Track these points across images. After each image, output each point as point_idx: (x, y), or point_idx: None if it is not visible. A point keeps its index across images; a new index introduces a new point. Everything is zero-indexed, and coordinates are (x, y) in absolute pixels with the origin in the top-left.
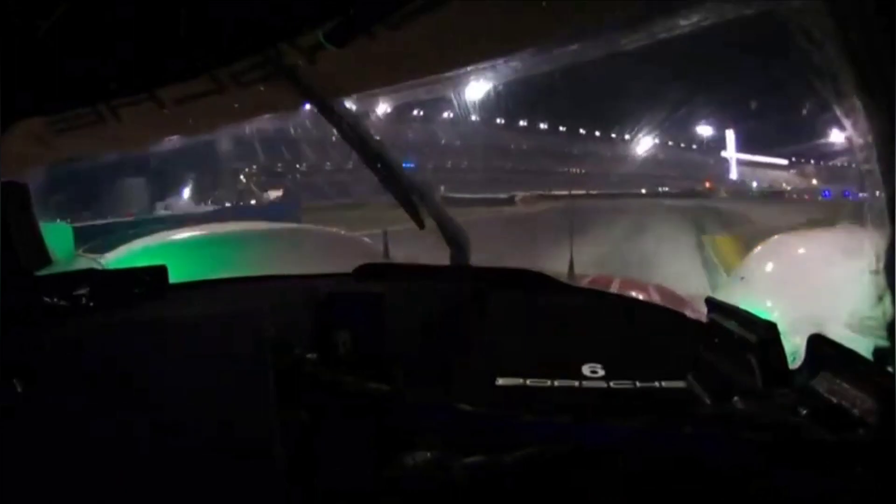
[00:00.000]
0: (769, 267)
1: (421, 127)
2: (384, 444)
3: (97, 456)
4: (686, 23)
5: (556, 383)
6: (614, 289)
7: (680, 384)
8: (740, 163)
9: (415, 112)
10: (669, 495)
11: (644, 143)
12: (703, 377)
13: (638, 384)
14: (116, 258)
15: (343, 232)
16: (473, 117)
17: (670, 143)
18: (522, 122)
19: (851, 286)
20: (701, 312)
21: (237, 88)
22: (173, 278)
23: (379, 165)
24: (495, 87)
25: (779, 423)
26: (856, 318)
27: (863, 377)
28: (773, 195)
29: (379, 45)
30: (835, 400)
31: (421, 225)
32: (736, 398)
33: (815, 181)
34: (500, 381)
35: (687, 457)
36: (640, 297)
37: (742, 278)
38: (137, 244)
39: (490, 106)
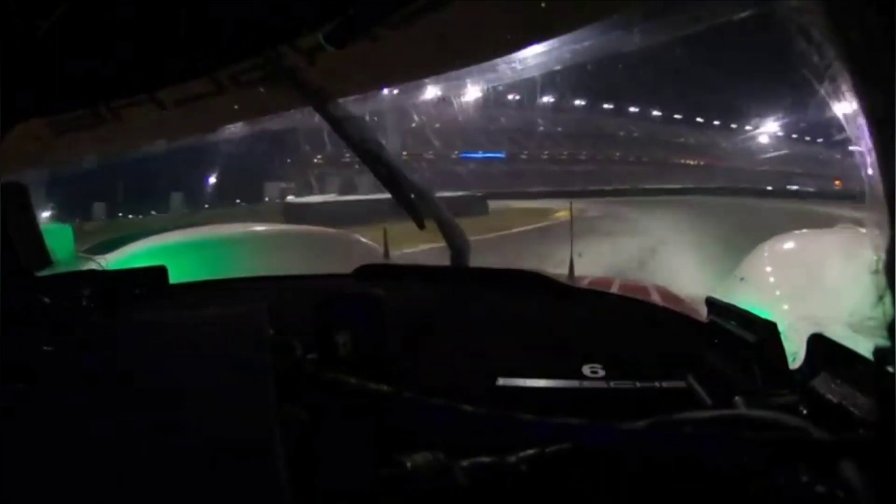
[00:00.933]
0: (769, 267)
1: (516, 113)
2: (384, 444)
3: (97, 456)
4: (683, 23)
5: (557, 384)
6: (614, 289)
7: (680, 384)
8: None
9: (510, 96)
10: (669, 495)
11: (766, 135)
12: (704, 377)
13: (638, 384)
14: (117, 259)
15: (343, 232)
16: (578, 101)
17: (794, 135)
18: (633, 108)
19: (851, 286)
20: (701, 312)
21: (237, 89)
22: (174, 279)
23: (379, 166)
24: (602, 69)
25: (779, 423)
26: (856, 318)
27: (863, 377)
28: None
29: (379, 46)
30: (835, 400)
31: (421, 226)
32: (736, 398)
33: None
34: (501, 382)
35: (687, 457)
36: (641, 297)
37: (742, 279)
38: (138, 245)
39: (597, 90)
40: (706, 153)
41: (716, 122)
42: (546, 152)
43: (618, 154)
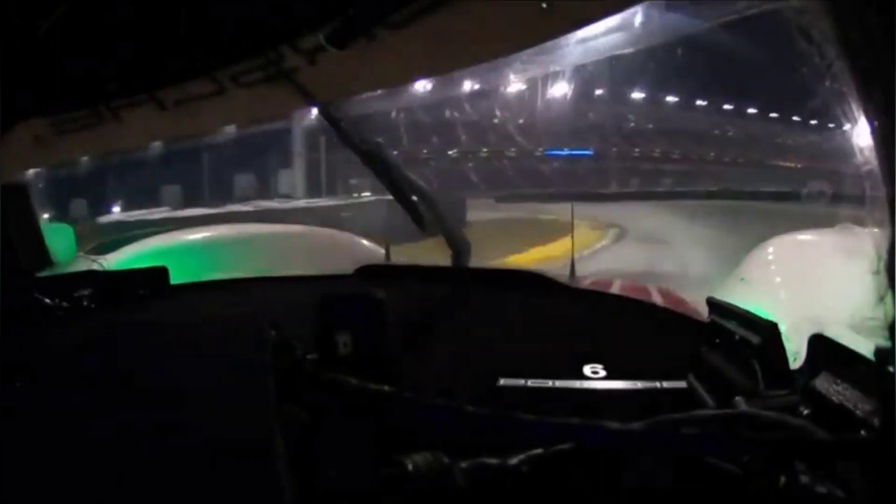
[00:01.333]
0: (770, 267)
1: (606, 108)
2: (384, 444)
3: (97, 456)
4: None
5: (557, 384)
6: (615, 290)
7: (681, 384)
8: None
9: (598, 91)
10: (669, 495)
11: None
12: (704, 377)
13: (638, 384)
14: (119, 259)
15: (344, 234)
16: (670, 98)
17: None
18: (728, 106)
19: (852, 286)
20: (702, 313)
21: (237, 90)
22: (176, 280)
23: (380, 167)
24: (696, 64)
25: (779, 423)
26: (857, 319)
27: (864, 377)
28: None
29: (379, 46)
30: (836, 400)
31: (422, 226)
32: (737, 398)
33: None
34: (502, 382)
35: (687, 457)
36: (642, 298)
37: (742, 279)
38: (139, 246)
39: (690, 86)
40: (804, 154)
41: (812, 122)
42: (637, 150)
43: (712, 154)
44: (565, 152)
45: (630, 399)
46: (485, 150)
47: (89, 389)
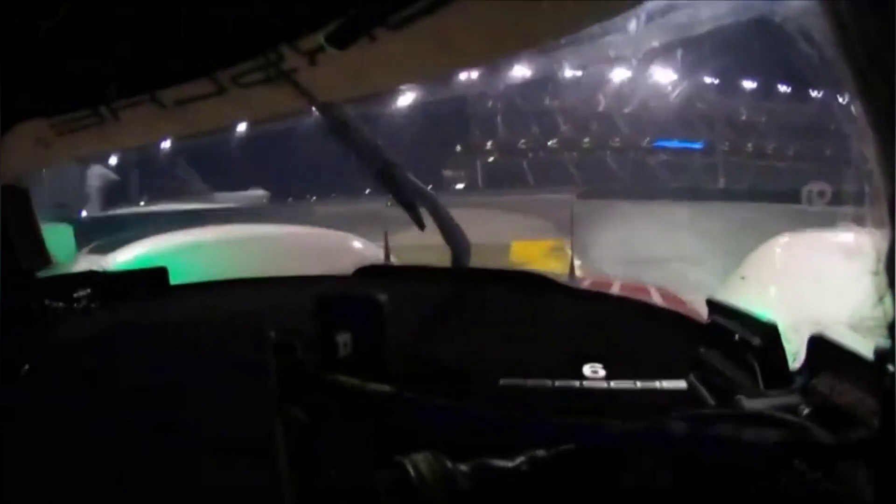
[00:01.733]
0: (770, 266)
1: (716, 97)
2: (384, 444)
3: (97, 456)
4: (684, 26)
5: (558, 384)
6: (615, 290)
7: (681, 384)
8: None
9: (708, 80)
10: (669, 495)
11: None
12: (704, 377)
13: (638, 384)
14: (119, 260)
15: (344, 234)
16: (783, 88)
17: None
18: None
19: (852, 286)
20: (702, 313)
21: (238, 90)
22: (175, 280)
23: (379, 166)
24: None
25: (779, 423)
26: (856, 319)
27: (863, 377)
28: None
29: (380, 47)
30: (836, 400)
31: (421, 226)
32: (737, 398)
33: None
34: (502, 382)
35: (687, 457)
36: (642, 298)
37: (743, 278)
38: (139, 246)
39: (805, 75)
40: None
41: None
42: (750, 144)
43: (828, 152)
44: (675, 144)
45: (630, 399)
46: (587, 140)
47: (89, 389)
